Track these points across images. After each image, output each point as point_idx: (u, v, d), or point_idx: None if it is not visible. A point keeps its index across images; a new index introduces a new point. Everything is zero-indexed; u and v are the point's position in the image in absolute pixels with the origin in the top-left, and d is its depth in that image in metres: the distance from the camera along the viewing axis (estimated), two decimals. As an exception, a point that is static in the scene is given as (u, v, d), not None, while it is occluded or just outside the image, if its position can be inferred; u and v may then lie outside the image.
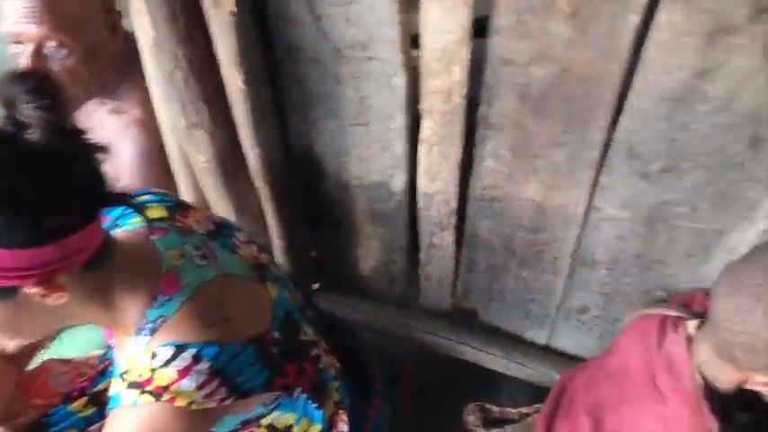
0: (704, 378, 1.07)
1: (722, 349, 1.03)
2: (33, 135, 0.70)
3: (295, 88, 1.22)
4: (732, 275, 1.02)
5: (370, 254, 1.50)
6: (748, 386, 1.06)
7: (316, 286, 1.67)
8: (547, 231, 1.28)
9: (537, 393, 1.56)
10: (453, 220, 1.33)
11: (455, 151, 1.19)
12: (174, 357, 0.82)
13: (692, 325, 1.12)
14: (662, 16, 0.91)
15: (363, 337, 1.51)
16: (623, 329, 1.29)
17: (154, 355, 0.83)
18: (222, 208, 1.38)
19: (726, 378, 1.06)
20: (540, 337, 1.55)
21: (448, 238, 1.38)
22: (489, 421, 1.61)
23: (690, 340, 1.11)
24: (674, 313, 1.18)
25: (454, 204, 1.30)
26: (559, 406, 1.35)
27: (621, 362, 1.25)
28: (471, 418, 1.59)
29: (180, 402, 0.81)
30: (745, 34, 0.89)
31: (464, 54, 1.04)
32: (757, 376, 1.05)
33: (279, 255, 1.50)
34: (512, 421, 1.60)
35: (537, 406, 1.53)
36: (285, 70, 1.20)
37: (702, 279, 1.25)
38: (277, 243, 1.47)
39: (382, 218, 1.40)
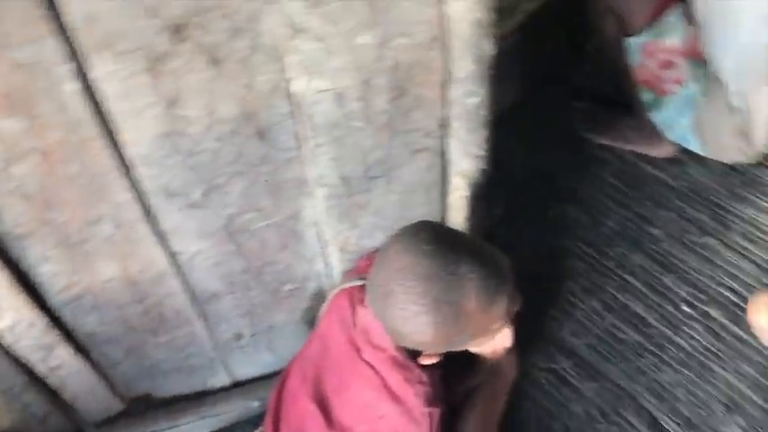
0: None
1: None
2: None
3: None
4: (371, 273, 1.11)
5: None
6: None
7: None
8: (151, 295, 1.22)
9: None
10: (54, 335, 1.21)
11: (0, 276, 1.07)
12: None
13: None
14: (96, 72, 0.87)
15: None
16: (325, 311, 1.30)
17: None
18: None
19: None
20: (221, 380, 1.51)
21: (63, 353, 1.25)
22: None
23: None
24: (358, 283, 1.22)
25: (42, 322, 1.17)
26: (280, 416, 1.32)
27: (327, 345, 1.26)
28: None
29: None
30: (179, 56, 0.89)
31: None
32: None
33: None
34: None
35: (259, 429, 1.50)
36: None
37: (311, 256, 1.30)
38: None
39: (-20, 373, 1.22)
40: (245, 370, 1.51)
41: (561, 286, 1.76)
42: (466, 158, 1.17)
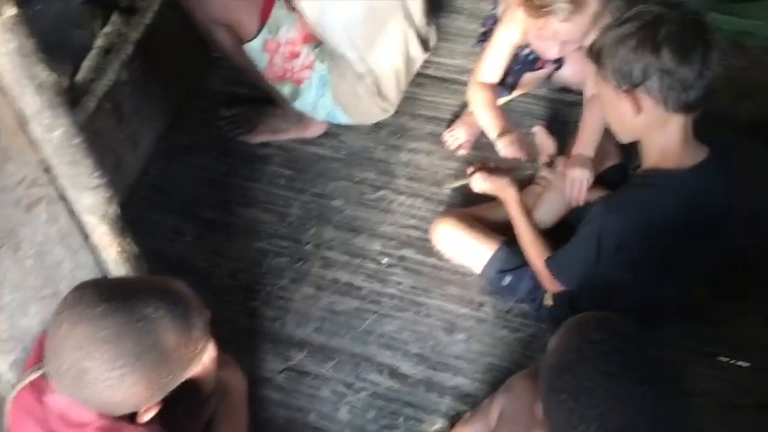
0: None
1: None
2: None
3: None
4: (48, 363, 1.01)
5: None
6: None
7: None
8: None
9: None
10: None
11: None
12: None
13: None
14: None
15: None
16: (10, 417, 1.15)
17: None
18: None
19: None
20: None
21: None
22: None
23: None
24: (37, 374, 1.10)
25: None
26: None
27: None
28: None
29: None
30: None
31: None
32: None
33: None
34: None
35: None
36: None
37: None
38: None
39: None
40: None
41: (271, 287, 1.77)
42: (84, 194, 1.10)
